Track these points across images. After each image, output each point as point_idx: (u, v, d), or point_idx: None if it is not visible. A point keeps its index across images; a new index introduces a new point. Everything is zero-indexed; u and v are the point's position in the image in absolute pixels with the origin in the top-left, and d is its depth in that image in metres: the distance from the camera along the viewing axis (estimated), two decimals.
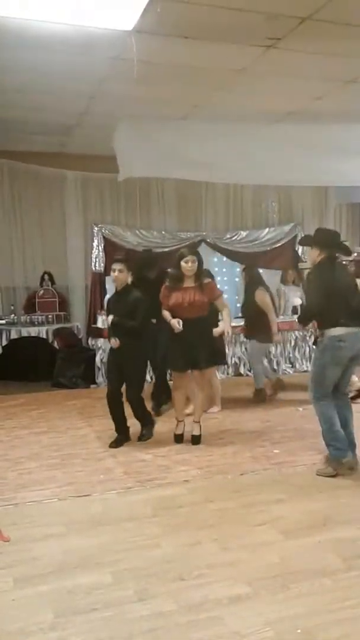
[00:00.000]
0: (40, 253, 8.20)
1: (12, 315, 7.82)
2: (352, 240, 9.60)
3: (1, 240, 8.05)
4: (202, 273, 4.88)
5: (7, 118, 6.34)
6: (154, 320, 5.20)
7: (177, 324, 4.71)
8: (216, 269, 8.48)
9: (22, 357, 7.48)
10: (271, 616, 2.53)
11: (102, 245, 8.30)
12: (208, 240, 8.61)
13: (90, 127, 6.70)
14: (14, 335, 7.46)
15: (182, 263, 4.73)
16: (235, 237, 8.84)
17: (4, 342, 7.45)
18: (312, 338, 5.79)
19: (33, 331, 7.53)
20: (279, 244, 9.04)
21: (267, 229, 9.04)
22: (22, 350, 7.46)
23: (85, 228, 8.35)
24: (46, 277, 8.03)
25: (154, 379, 6.33)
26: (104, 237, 8.32)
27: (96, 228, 8.30)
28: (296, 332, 7.94)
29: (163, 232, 8.52)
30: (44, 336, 7.54)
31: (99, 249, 8.30)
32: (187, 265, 4.73)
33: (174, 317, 4.77)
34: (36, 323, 7.67)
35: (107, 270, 7.46)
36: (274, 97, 5.78)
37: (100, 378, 7.22)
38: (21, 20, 4.03)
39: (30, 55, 4.63)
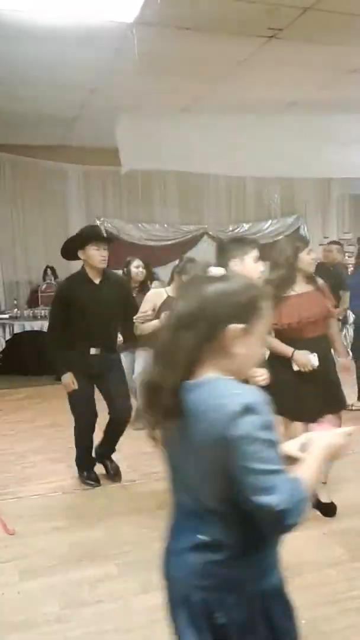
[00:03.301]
0: (43, 247, 8.18)
1: (15, 309, 7.81)
2: (355, 232, 9.57)
3: (3, 235, 8.04)
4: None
5: (8, 111, 6.31)
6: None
7: (313, 359, 3.19)
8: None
9: (26, 351, 7.48)
10: None
11: None
12: (210, 233, 8.60)
13: (91, 120, 6.68)
14: (17, 330, 7.46)
15: (302, 255, 3.30)
16: (238, 229, 8.82)
17: (8, 337, 7.45)
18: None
19: (36, 325, 7.52)
20: (281, 236, 9.00)
21: (269, 221, 9.02)
22: (25, 345, 7.46)
23: (87, 221, 8.30)
24: (49, 271, 8.02)
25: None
26: (106, 231, 8.30)
27: (98, 222, 8.28)
28: None
29: (165, 225, 8.51)
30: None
31: None
32: (309, 258, 3.34)
33: (290, 342, 3.23)
34: (39, 317, 7.66)
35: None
36: (276, 88, 5.74)
37: None
38: (21, 12, 4.00)
39: (30, 47, 4.60)
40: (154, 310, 3.95)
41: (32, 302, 7.95)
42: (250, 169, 6.85)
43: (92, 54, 4.74)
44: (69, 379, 3.84)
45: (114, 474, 4.11)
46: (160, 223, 8.50)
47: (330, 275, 6.07)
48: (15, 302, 7.95)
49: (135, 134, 5.89)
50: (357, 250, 6.16)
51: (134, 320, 3.92)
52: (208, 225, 8.66)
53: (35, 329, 7.50)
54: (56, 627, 2.48)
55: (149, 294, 4.24)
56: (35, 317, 7.67)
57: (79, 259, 3.86)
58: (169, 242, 8.20)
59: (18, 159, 7.81)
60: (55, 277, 8.02)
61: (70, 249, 3.86)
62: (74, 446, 4.02)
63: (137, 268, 5.27)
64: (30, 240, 8.17)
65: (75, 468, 4.16)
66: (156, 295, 4.08)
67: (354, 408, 5.51)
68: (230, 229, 8.79)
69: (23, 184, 8.01)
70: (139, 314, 3.95)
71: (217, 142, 6.00)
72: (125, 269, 5.30)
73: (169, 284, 4.28)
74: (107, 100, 5.91)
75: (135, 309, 4.06)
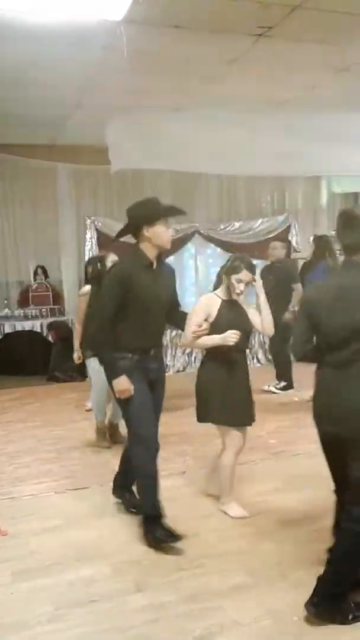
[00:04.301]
0: (33, 247, 8.15)
1: (6, 309, 7.79)
2: None
3: None
4: None
5: None
6: None
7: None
8: (210, 260, 8.48)
9: (17, 351, 7.46)
10: (270, 605, 2.55)
11: (95, 237, 8.27)
12: (201, 231, 8.59)
13: (81, 119, 6.65)
14: (8, 330, 7.43)
15: None
16: (229, 227, 8.82)
17: None
18: None
19: (27, 325, 7.51)
20: (273, 234, 9.02)
21: (260, 220, 9.02)
22: (16, 345, 7.43)
23: (78, 221, 8.30)
24: (39, 270, 8.00)
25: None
26: (96, 230, 8.28)
27: (88, 220, 8.26)
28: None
29: None
30: (38, 330, 7.52)
31: (92, 242, 8.26)
32: None
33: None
34: (30, 317, 7.66)
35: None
36: (267, 87, 5.74)
37: None
38: (10, 12, 3.97)
39: (19, 46, 4.57)
40: (206, 320, 3.31)
41: (23, 302, 7.93)
42: (241, 168, 6.85)
43: (81, 52, 4.71)
44: (126, 383, 3.05)
45: (136, 511, 3.39)
46: None
47: (280, 271, 6.25)
48: (5, 302, 7.92)
49: (126, 132, 5.88)
50: (313, 248, 6.20)
51: (192, 334, 3.24)
52: (199, 223, 8.65)
53: (27, 328, 7.49)
54: (50, 627, 2.47)
55: (201, 301, 3.48)
56: (26, 317, 7.66)
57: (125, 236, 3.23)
58: None
59: (8, 158, 7.75)
60: (46, 276, 8.01)
61: (134, 224, 3.15)
62: (65, 446, 3.96)
63: (112, 264, 4.59)
64: (20, 239, 8.13)
65: (68, 468, 4.16)
66: (210, 302, 3.39)
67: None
68: (222, 227, 8.79)
69: (13, 183, 7.97)
70: (192, 327, 3.25)
71: (208, 141, 6.00)
72: (99, 264, 4.79)
73: (215, 288, 3.52)
74: (97, 99, 5.89)
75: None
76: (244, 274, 3.33)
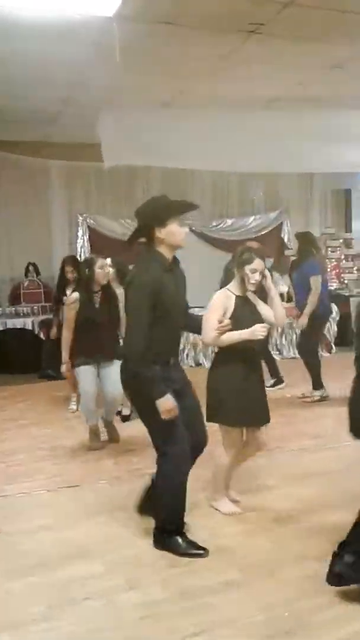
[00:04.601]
0: (25, 244, 8.11)
1: None
2: (338, 227, 9.64)
3: None
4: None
5: None
6: None
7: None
8: (203, 257, 8.46)
9: (8, 349, 7.43)
10: (262, 601, 2.56)
11: (87, 235, 8.25)
12: (194, 228, 8.59)
13: (73, 116, 6.63)
14: None
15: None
16: (221, 224, 8.83)
17: None
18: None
19: (18, 323, 7.49)
20: (265, 231, 9.05)
21: (253, 217, 9.04)
22: (8, 342, 7.41)
23: (69, 218, 8.29)
24: (31, 268, 7.97)
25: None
26: (88, 227, 8.26)
27: (80, 218, 8.24)
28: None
29: None
30: (30, 327, 7.50)
31: (83, 239, 8.25)
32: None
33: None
34: (21, 314, 7.63)
35: None
36: (258, 84, 5.75)
37: None
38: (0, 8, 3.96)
39: (10, 43, 4.55)
40: (223, 315, 3.20)
41: (15, 299, 7.90)
42: (233, 165, 6.86)
43: (72, 48, 4.70)
44: (171, 402, 2.82)
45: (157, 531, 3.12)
46: None
47: None
48: None
49: (118, 129, 5.87)
50: (298, 245, 6.19)
51: (216, 330, 3.12)
52: (192, 220, 8.64)
53: (18, 326, 7.47)
54: (44, 625, 2.47)
55: (217, 297, 3.29)
56: (17, 315, 7.64)
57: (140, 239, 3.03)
58: None
59: None
60: (38, 273, 7.97)
61: (146, 226, 2.96)
62: (58, 444, 3.91)
63: (101, 269, 4.48)
64: (12, 236, 8.10)
65: (60, 466, 4.17)
66: (226, 298, 3.27)
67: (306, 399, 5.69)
68: (214, 224, 8.80)
69: (5, 180, 7.93)
70: (213, 323, 3.13)
71: (200, 138, 6.00)
72: (87, 270, 4.51)
73: (225, 284, 3.45)
74: (89, 96, 5.87)
75: None
76: (257, 263, 3.26)
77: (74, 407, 5.67)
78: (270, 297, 3.39)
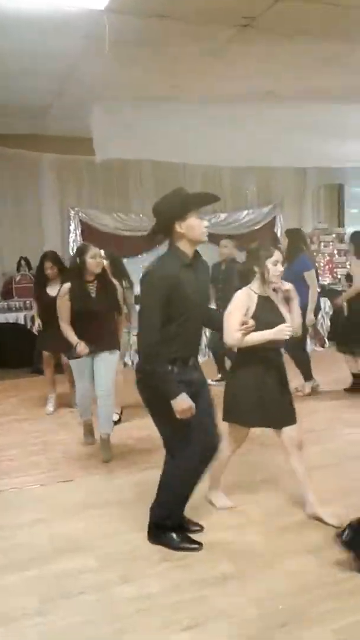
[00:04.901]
0: (17, 238, 8.06)
1: None
2: (330, 222, 9.66)
3: None
4: None
5: None
6: None
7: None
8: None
9: (0, 343, 7.40)
10: (256, 594, 2.57)
11: (79, 229, 8.22)
12: None
13: (65, 109, 6.58)
14: None
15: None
16: (214, 219, 8.82)
17: None
18: None
19: (11, 317, 7.45)
20: (258, 226, 9.05)
21: (245, 211, 9.03)
22: (0, 337, 7.37)
23: (61, 212, 8.24)
24: (23, 262, 7.92)
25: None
26: (80, 221, 8.23)
27: (72, 212, 8.20)
28: None
29: (141, 215, 8.45)
30: (22, 322, 7.47)
31: (76, 233, 8.21)
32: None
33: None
34: (14, 309, 7.60)
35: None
36: (252, 78, 5.72)
37: None
38: None
39: (0, 34, 4.51)
40: (245, 315, 3.10)
41: (7, 294, 7.85)
42: (226, 159, 6.84)
43: (64, 41, 4.66)
44: (187, 401, 2.75)
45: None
46: (136, 213, 8.44)
47: (230, 271, 5.79)
48: None
49: (110, 123, 5.84)
50: (287, 241, 6.12)
51: (240, 330, 3.02)
52: None
53: (10, 321, 7.43)
54: (37, 620, 2.47)
55: (239, 296, 3.19)
56: (9, 309, 7.60)
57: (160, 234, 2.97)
58: (145, 232, 8.14)
59: None
60: (30, 268, 7.92)
61: (165, 222, 2.89)
62: (51, 439, 3.91)
63: (93, 258, 4.30)
64: (3, 231, 8.05)
65: (54, 460, 4.16)
66: (247, 297, 3.17)
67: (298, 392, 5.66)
68: (207, 218, 8.76)
69: None
70: (235, 323, 3.04)
71: (193, 132, 5.98)
72: (78, 259, 4.32)
73: (244, 284, 3.30)
74: (81, 89, 5.83)
75: None
76: (277, 254, 3.19)
77: (51, 408, 5.61)
78: (291, 307, 3.29)
